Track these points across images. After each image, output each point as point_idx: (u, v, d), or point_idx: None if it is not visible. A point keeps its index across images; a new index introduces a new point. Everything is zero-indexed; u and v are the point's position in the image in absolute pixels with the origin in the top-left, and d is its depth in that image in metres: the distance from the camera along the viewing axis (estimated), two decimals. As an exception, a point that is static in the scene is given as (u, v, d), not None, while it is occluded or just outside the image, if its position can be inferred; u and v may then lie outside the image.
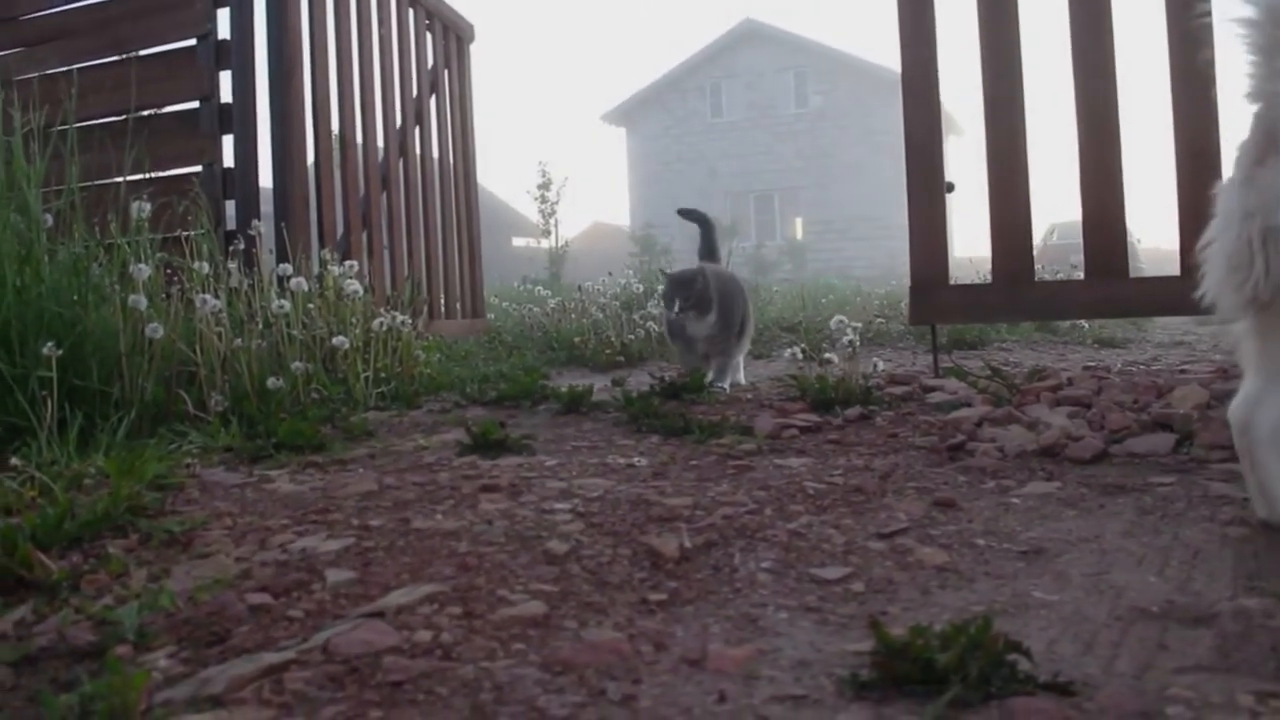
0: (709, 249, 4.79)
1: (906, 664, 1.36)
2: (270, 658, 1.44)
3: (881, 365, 3.91)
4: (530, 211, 24.42)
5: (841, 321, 3.92)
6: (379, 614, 1.58)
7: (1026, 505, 2.27)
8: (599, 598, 1.70)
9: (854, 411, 3.31)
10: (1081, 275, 4.15)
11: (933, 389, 3.77)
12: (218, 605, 1.69)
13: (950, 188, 4.17)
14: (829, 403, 3.40)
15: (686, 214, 4.97)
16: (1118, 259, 4.01)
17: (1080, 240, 4.07)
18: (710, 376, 3.97)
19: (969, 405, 3.33)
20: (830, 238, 33.41)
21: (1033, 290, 4.18)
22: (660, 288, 4.36)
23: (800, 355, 3.77)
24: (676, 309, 3.90)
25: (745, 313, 4.30)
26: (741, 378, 4.45)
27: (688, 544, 1.95)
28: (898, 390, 3.76)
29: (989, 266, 4.27)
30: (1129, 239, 4.11)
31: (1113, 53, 3.94)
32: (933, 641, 1.37)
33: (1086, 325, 7.51)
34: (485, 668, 1.41)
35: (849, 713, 1.28)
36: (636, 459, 2.73)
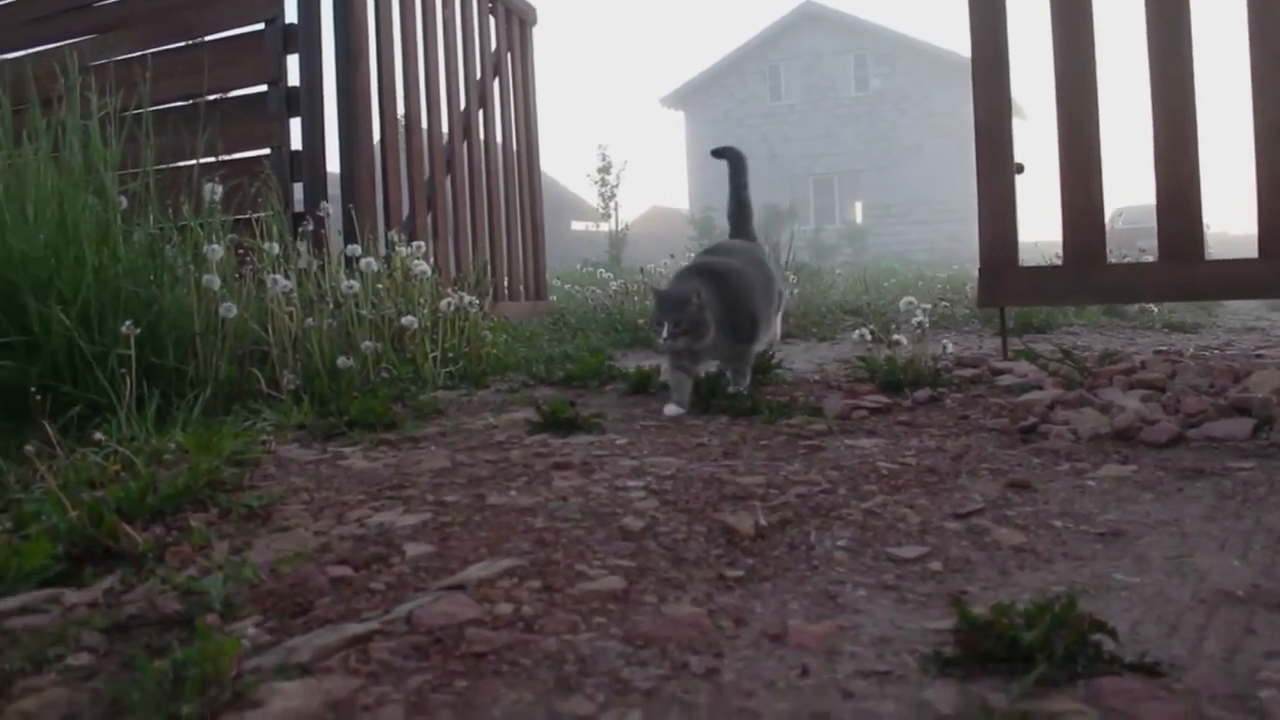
0: (738, 205, 4.17)
1: (990, 641, 1.35)
2: (354, 628, 1.46)
3: (950, 347, 3.88)
4: (589, 195, 24.45)
5: (911, 302, 3.89)
6: (459, 587, 1.59)
7: (1102, 488, 2.24)
8: (676, 574, 1.70)
9: (923, 393, 3.29)
10: (1151, 258, 4.08)
11: (1002, 371, 3.73)
12: (300, 577, 1.72)
13: (1020, 169, 4.12)
14: (898, 384, 3.38)
15: (719, 153, 4.33)
16: (1193, 241, 3.94)
17: (1147, 225, 4.02)
18: (729, 385, 3.45)
19: (1040, 388, 3.30)
20: (890, 221, 33.18)
21: (1104, 273, 4.12)
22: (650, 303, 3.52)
23: (869, 336, 3.74)
24: (665, 335, 3.17)
25: (765, 300, 3.60)
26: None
27: (763, 522, 1.95)
28: (966, 373, 3.72)
29: (1054, 250, 4.21)
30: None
31: (1190, 29, 3.87)
32: (1016, 620, 1.36)
33: (1155, 309, 7.40)
34: (568, 640, 1.42)
35: (934, 689, 1.27)
36: (706, 438, 2.73)
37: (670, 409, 3.19)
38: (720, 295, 3.30)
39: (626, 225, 17.25)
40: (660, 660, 1.37)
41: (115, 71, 3.89)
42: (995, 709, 1.19)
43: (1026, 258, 4.34)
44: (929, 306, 3.95)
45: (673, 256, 9.91)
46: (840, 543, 1.88)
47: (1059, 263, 4.40)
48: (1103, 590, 1.62)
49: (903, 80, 33.65)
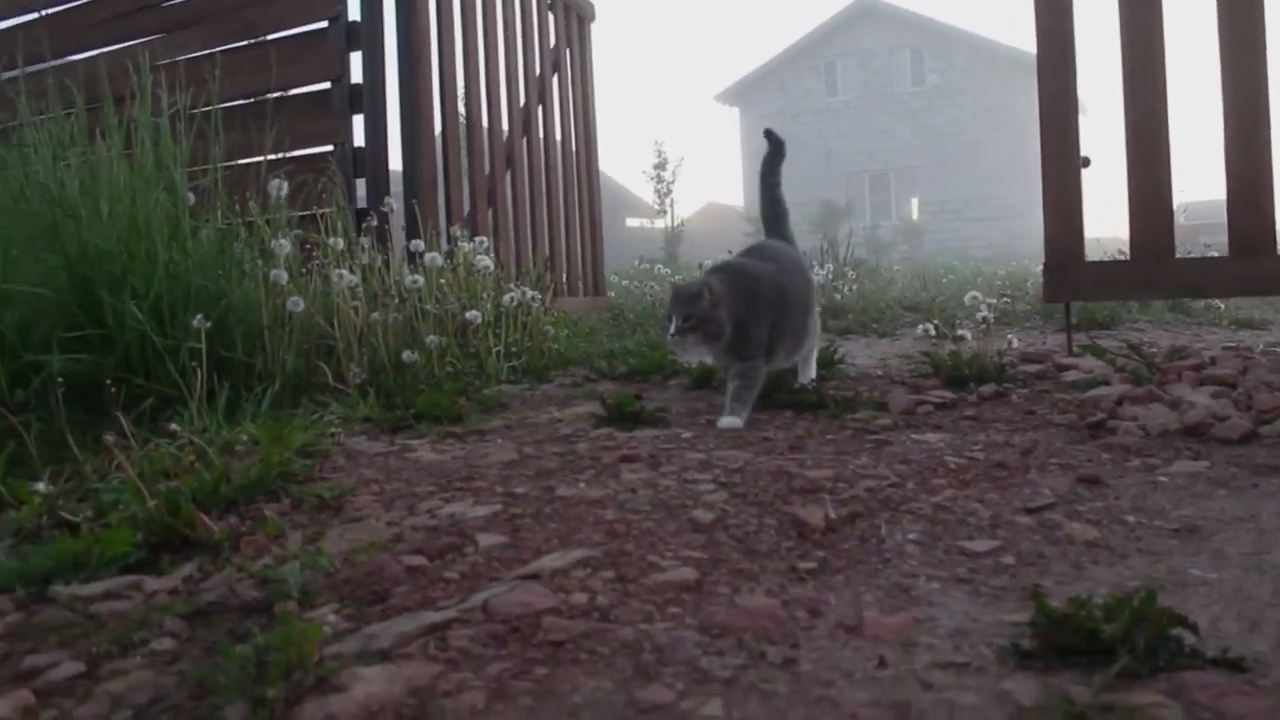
0: (772, 203, 3.71)
1: (1069, 634, 1.34)
2: (432, 616, 1.47)
3: (1015, 342, 3.84)
4: (644, 192, 24.46)
5: (976, 297, 3.86)
6: (534, 577, 1.61)
7: (1175, 484, 2.21)
8: (749, 565, 1.70)
9: (989, 388, 3.26)
10: (1217, 253, 4.02)
11: (1067, 367, 3.70)
12: (375, 566, 1.74)
13: (1086, 162, 4.07)
14: (963, 379, 3.35)
15: (769, 135, 3.81)
16: (1264, 234, 3.87)
17: (1211, 220, 3.96)
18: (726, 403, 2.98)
19: (1107, 383, 3.26)
20: (946, 218, 32.92)
21: (1173, 267, 4.06)
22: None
23: (932, 332, 3.71)
24: (671, 331, 2.91)
25: (801, 313, 3.25)
26: (812, 372, 3.51)
27: (833, 515, 1.94)
28: (1031, 368, 3.69)
29: (1115, 246, 4.16)
30: None
31: (1263, 17, 3.80)
32: (1095, 613, 1.35)
33: (1222, 306, 7.28)
34: (644, 630, 1.43)
35: (1014, 680, 1.27)
36: (772, 432, 2.73)
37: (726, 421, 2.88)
38: (742, 300, 2.99)
39: (682, 221, 17.26)
40: (737, 650, 1.38)
41: (185, 70, 3.94)
42: (1077, 701, 1.19)
43: (1088, 253, 4.28)
44: (994, 301, 3.92)
45: (730, 252, 9.88)
46: (911, 536, 1.87)
47: (1124, 257, 4.34)
48: (1180, 586, 1.60)
49: (960, 75, 33.35)
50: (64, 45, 5.08)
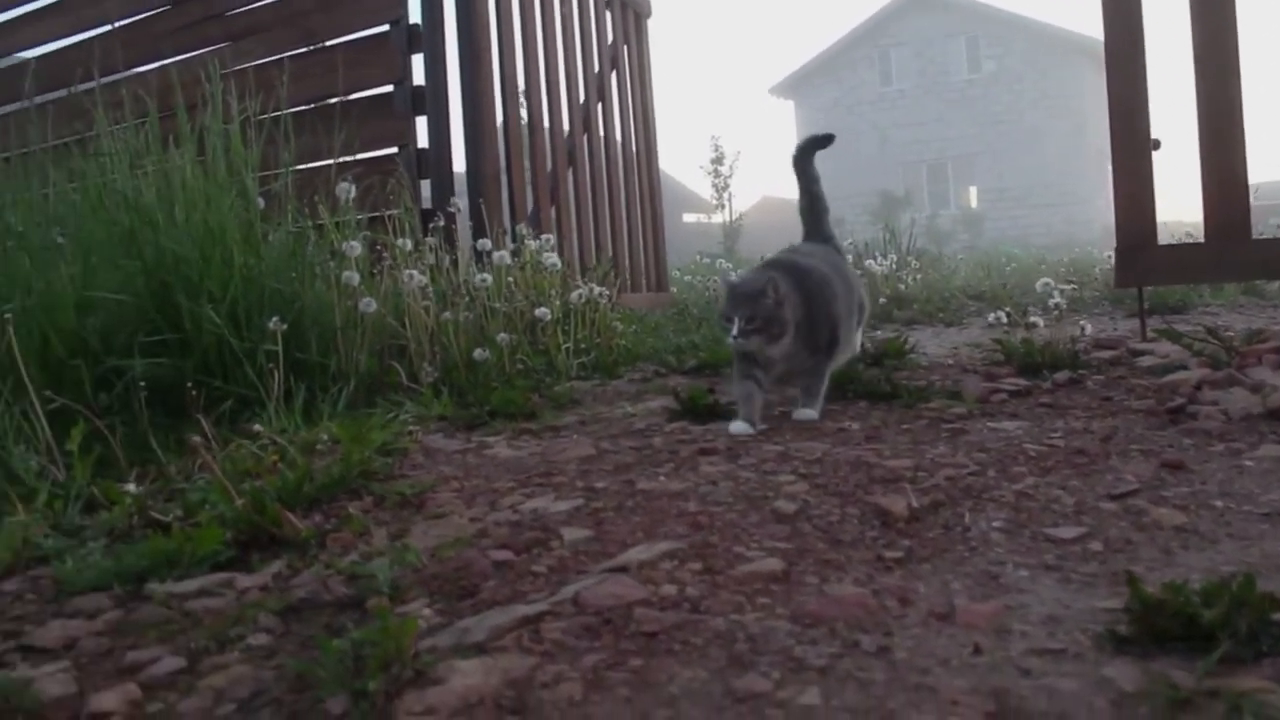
0: (811, 200, 3.46)
1: (1166, 620, 1.32)
2: (524, 609, 1.49)
3: (1089, 329, 3.79)
4: (700, 187, 24.43)
5: (1048, 284, 3.82)
6: (622, 569, 1.62)
7: (1262, 468, 2.17)
8: (834, 555, 1.70)
9: (1063, 375, 3.23)
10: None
11: (1142, 352, 3.64)
12: (462, 561, 1.76)
13: (1157, 144, 4.00)
14: (1036, 367, 3.32)
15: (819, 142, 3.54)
16: (1345, 213, 3.80)
17: (1280, 201, 3.87)
18: (798, 406, 2.89)
19: (1184, 368, 3.21)
20: (1006, 206, 32.55)
21: (1249, 248, 3.99)
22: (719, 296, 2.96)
23: (1004, 319, 3.68)
24: (734, 332, 2.69)
25: (847, 310, 3.06)
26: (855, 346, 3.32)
27: (915, 504, 1.93)
28: (1104, 354, 3.64)
29: (1182, 230, 4.09)
30: None
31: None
32: (1192, 598, 1.33)
33: (1296, 287, 7.14)
34: (735, 620, 1.44)
35: (1114, 666, 1.26)
36: (847, 423, 2.72)
37: (736, 427, 2.68)
38: (801, 294, 2.82)
39: (740, 216, 17.21)
40: (830, 639, 1.38)
41: (253, 76, 4.00)
42: (1182, 687, 1.17)
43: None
44: (1065, 288, 3.87)
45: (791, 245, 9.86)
46: (995, 524, 1.86)
47: (1194, 239, 4.27)
48: (1276, 570, 1.58)
49: (1017, 61, 32.96)
50: (136, 56, 5.17)
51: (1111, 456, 2.29)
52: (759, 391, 2.77)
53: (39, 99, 3.96)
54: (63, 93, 4.24)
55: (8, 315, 2.67)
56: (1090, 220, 29.84)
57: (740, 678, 1.27)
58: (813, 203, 3.42)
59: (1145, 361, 3.48)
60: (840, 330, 2.95)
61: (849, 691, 1.23)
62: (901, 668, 1.29)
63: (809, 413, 2.81)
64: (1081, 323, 3.76)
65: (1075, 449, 2.34)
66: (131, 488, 2.29)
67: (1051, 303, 3.63)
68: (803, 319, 2.79)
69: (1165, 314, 6.03)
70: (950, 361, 3.78)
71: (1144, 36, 4.03)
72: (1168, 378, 3.09)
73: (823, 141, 3.51)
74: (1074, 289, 7.10)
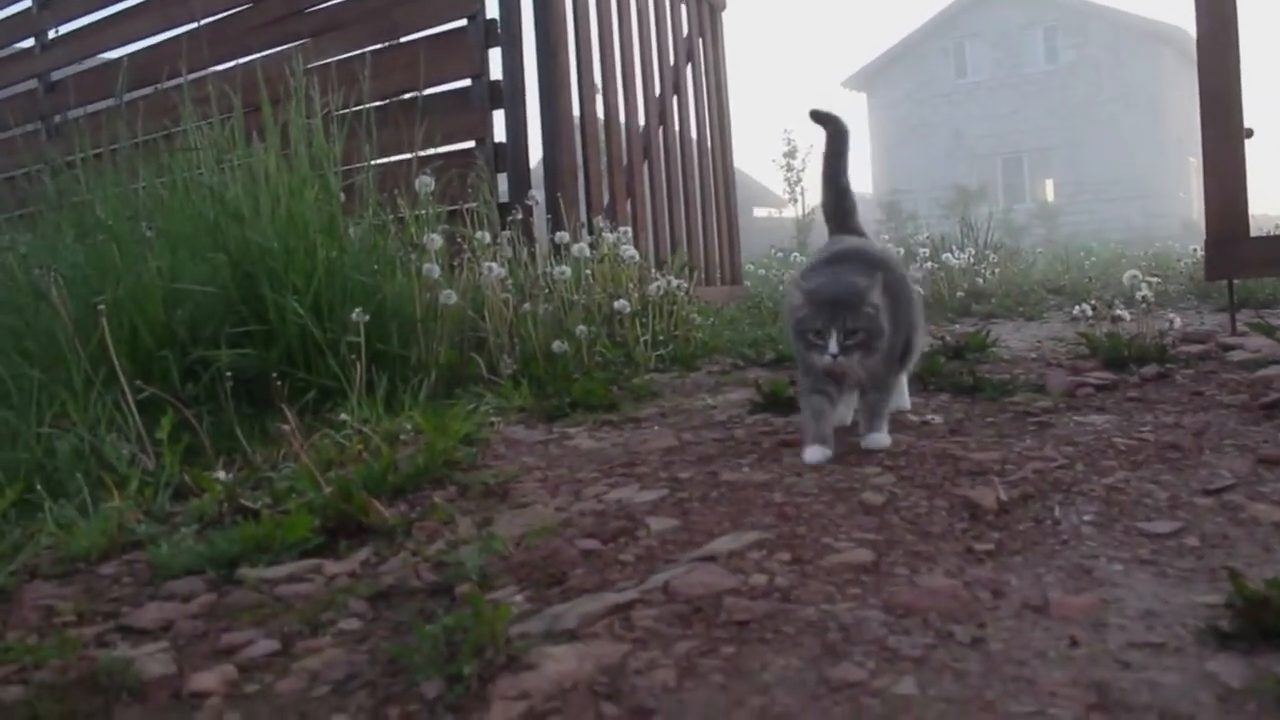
0: (837, 194, 2.86)
1: (1271, 616, 1.30)
2: (614, 597, 1.49)
3: (1178, 322, 3.71)
4: (770, 181, 24.29)
5: (1135, 276, 3.75)
6: (710, 559, 1.61)
7: (1362, 463, 2.12)
8: (924, 546, 1.69)
9: (1150, 369, 3.17)
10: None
11: (1232, 347, 3.56)
12: (550, 550, 1.76)
13: (1249, 133, 3.91)
14: (1122, 361, 3.26)
15: (818, 118, 2.93)
16: None
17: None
18: (861, 423, 2.45)
19: (1277, 363, 3.14)
20: (1083, 199, 31.99)
21: (1344, 241, 3.89)
22: (792, 299, 2.36)
23: (1090, 312, 3.61)
24: (832, 350, 2.20)
25: (911, 317, 2.54)
26: (905, 400, 2.82)
27: (1003, 496, 1.91)
28: (1193, 349, 3.57)
29: (1271, 223, 3.97)
30: None
31: None
32: (1297, 595, 1.30)
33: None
34: (826, 610, 1.43)
35: (1217, 662, 1.23)
36: (930, 416, 2.70)
37: (811, 454, 2.28)
38: (887, 294, 2.34)
39: (812, 210, 17.08)
40: (923, 629, 1.36)
41: (335, 72, 4.05)
42: (1290, 682, 1.15)
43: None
44: (1153, 280, 3.79)
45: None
46: (1086, 518, 1.83)
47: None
48: (1380, 567, 1.54)
49: (1096, 51, 32.37)
50: (221, 52, 5.26)
51: (1205, 451, 2.24)
52: (830, 407, 2.36)
53: (128, 96, 4.03)
54: (150, 90, 4.33)
55: (100, 307, 2.73)
56: (1170, 214, 29.26)
57: (834, 667, 1.26)
58: (839, 197, 2.86)
59: (1236, 356, 3.41)
60: (916, 335, 2.56)
61: (945, 682, 1.22)
62: (997, 659, 1.27)
63: (881, 438, 2.36)
64: (1170, 316, 3.69)
65: (1167, 443, 2.29)
66: (221, 475, 2.33)
67: (1139, 295, 3.56)
68: (889, 322, 2.32)
69: (1255, 308, 5.89)
70: (1032, 355, 3.73)
71: (1237, 21, 3.94)
72: (1261, 372, 3.02)
73: (840, 133, 2.91)
74: (1158, 282, 6.98)
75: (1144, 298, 3.54)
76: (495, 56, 5.17)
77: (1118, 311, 3.56)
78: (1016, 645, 1.31)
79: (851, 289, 2.24)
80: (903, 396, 2.77)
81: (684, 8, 6.84)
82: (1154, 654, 1.27)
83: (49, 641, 1.63)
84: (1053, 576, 1.56)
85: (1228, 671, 1.20)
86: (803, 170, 17.53)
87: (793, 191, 17.88)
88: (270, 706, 1.36)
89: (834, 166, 2.86)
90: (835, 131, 2.87)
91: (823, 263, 2.52)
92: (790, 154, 17.60)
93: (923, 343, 2.75)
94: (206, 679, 1.44)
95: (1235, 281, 4.11)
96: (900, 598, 1.46)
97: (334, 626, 1.61)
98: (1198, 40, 3.95)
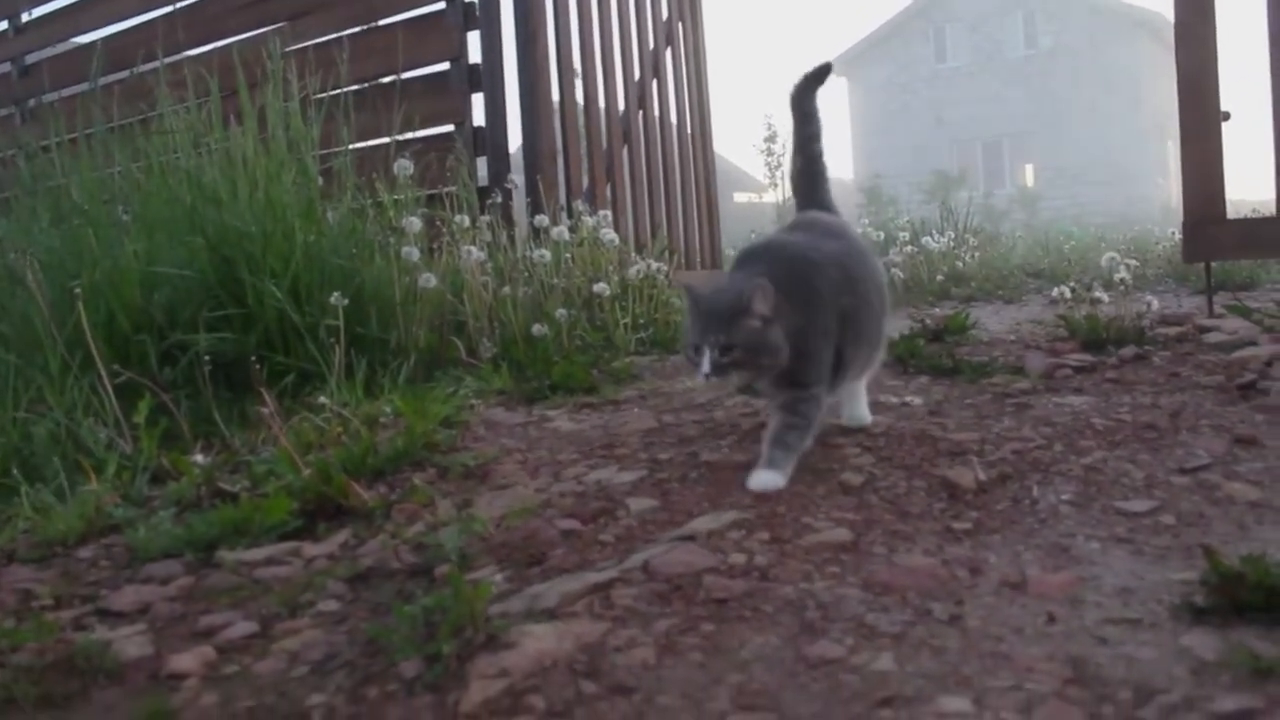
0: (807, 162, 2.52)
1: (1246, 591, 1.31)
2: (594, 576, 1.49)
3: (1156, 304, 3.73)
4: (751, 167, 24.28)
5: (1113, 258, 3.77)
6: (689, 538, 1.62)
7: (1337, 443, 2.14)
8: (902, 526, 1.69)
9: (1129, 351, 3.18)
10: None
11: (1209, 329, 3.58)
12: (530, 530, 1.77)
13: (1226, 116, 3.92)
14: (1101, 342, 3.27)
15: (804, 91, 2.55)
16: None
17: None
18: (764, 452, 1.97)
19: (1254, 344, 3.16)
20: (1063, 184, 32.05)
21: (1320, 222, 3.90)
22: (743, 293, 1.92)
23: (1069, 294, 3.62)
24: (705, 368, 1.89)
25: (869, 323, 2.18)
26: (864, 412, 2.38)
27: (982, 476, 1.92)
28: (1170, 331, 3.58)
29: (1247, 207, 3.97)
30: None
31: None
32: (1272, 570, 1.32)
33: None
34: (805, 588, 1.43)
35: (1192, 636, 1.24)
36: (909, 397, 2.70)
37: (760, 480, 1.90)
38: (801, 299, 1.98)
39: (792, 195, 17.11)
40: (902, 607, 1.37)
41: (313, 55, 4.03)
42: (1263, 656, 1.16)
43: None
44: (1132, 263, 3.81)
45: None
46: (1064, 497, 1.84)
47: (1261, 215, 4.18)
48: (1355, 543, 1.55)
49: (1075, 37, 32.41)
50: (198, 36, 5.22)
51: (1181, 431, 2.26)
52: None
53: (104, 80, 4.00)
54: (126, 73, 4.29)
55: (77, 291, 2.71)
56: (1149, 198, 29.35)
57: (813, 644, 1.27)
58: (808, 165, 2.50)
59: (1213, 338, 3.43)
60: (855, 350, 2.11)
61: (923, 658, 1.22)
62: (975, 635, 1.28)
63: (769, 476, 1.89)
64: (1148, 299, 3.70)
65: (1144, 424, 2.30)
66: (199, 459, 2.32)
67: (1117, 277, 3.58)
68: (799, 337, 1.96)
69: (1232, 290, 5.92)
70: (1012, 337, 3.74)
71: (1214, 7, 3.95)
72: (1237, 354, 3.03)
73: (821, 74, 2.57)
74: (1137, 266, 7.01)
75: (1122, 280, 3.56)
76: (474, 40, 5.14)
77: (1096, 294, 3.57)
78: (994, 622, 1.32)
79: (728, 298, 1.92)
80: (860, 406, 2.37)
81: (664, -10, 6.81)
82: (1130, 629, 1.28)
83: (26, 625, 1.63)
84: (1031, 555, 1.57)
85: (1202, 645, 1.21)
86: (782, 155, 17.52)
87: (773, 176, 17.88)
88: (249, 687, 1.36)
89: (805, 134, 2.53)
90: (800, 97, 2.54)
91: (759, 248, 2.20)
92: (770, 139, 17.58)
93: (876, 361, 2.34)
94: (185, 660, 1.44)
95: (1213, 264, 4.13)
96: (879, 576, 1.47)
97: (313, 608, 1.61)
98: (1175, 26, 3.96)
